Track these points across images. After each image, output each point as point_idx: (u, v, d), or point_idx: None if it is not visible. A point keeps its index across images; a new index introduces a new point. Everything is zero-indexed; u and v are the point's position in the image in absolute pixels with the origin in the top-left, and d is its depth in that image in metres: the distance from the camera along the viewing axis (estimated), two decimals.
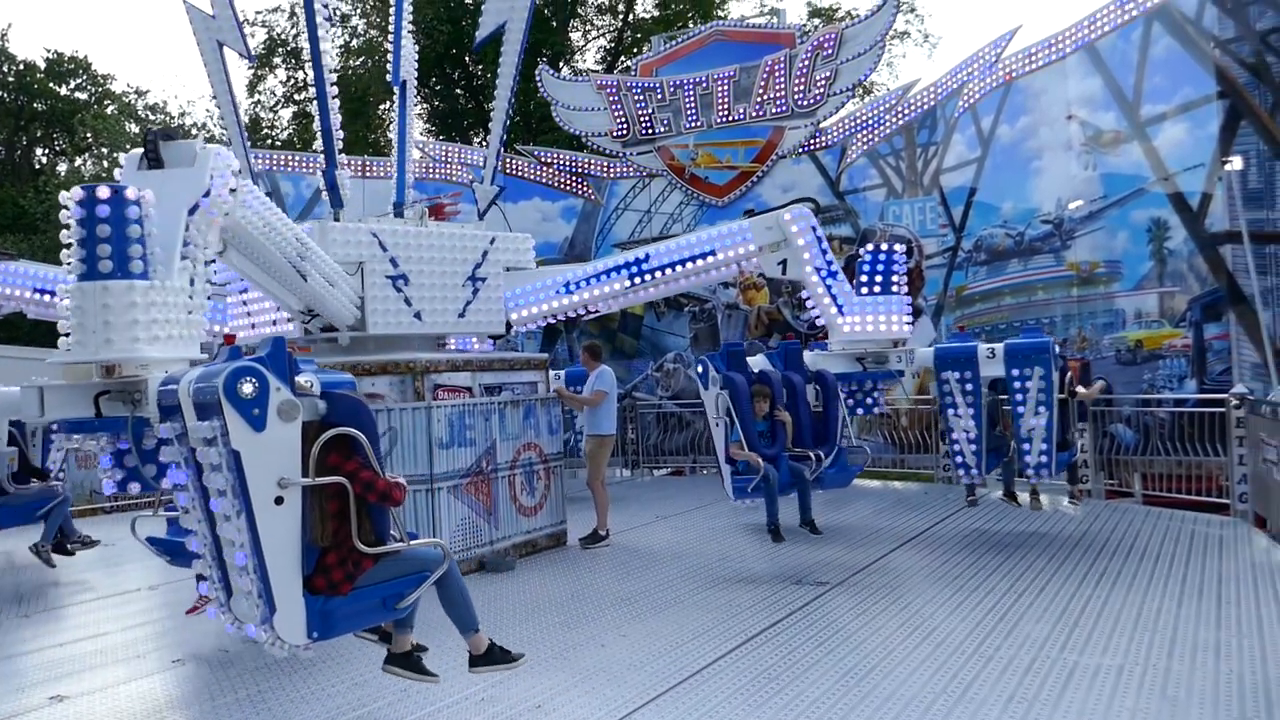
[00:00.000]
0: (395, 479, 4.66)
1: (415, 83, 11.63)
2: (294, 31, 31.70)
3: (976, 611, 7.16)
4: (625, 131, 18.49)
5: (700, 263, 10.03)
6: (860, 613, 7.24)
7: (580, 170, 19.15)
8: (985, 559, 8.92)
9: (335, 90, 9.97)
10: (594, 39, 32.87)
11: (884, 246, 9.85)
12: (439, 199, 18.71)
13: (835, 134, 17.39)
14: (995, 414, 9.46)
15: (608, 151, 18.89)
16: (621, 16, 31.77)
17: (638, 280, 10.14)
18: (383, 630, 5.14)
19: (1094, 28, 13.38)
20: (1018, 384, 8.89)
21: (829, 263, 9.82)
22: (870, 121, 16.99)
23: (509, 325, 10.53)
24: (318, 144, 10.40)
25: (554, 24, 29.17)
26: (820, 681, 5.73)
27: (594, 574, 9.10)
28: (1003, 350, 8.92)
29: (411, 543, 4.84)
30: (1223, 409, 10.84)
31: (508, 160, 19.42)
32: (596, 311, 10.89)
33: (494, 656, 5.22)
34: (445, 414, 9.13)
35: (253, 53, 31.40)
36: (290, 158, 19.89)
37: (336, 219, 9.83)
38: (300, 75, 32.48)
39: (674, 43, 18.89)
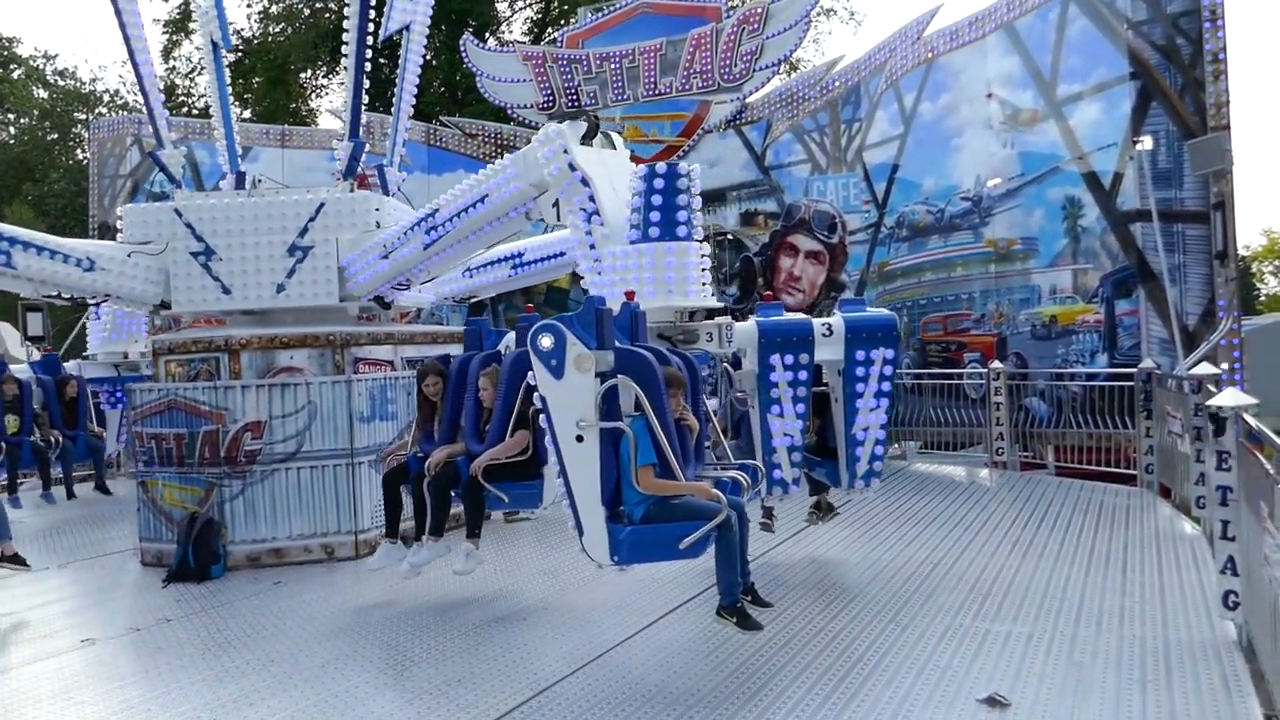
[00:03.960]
0: None
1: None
2: None
3: (893, 582, 7.30)
4: (551, 104, 18.33)
5: (481, 211, 8.61)
6: (778, 584, 7.32)
7: (505, 143, 18.95)
8: (903, 530, 9.09)
9: (153, 70, 10.00)
10: (521, 9, 32.52)
11: (661, 169, 7.33)
12: (362, 170, 18.37)
13: (761, 109, 17.45)
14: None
15: (533, 124, 18.71)
16: None
17: (431, 235, 8.91)
18: None
19: (1013, 7, 13.58)
20: (860, 369, 7.08)
21: (590, 197, 7.86)
22: (795, 97, 17.08)
23: (387, 300, 9.98)
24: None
25: None
26: (739, 652, 5.79)
27: (517, 548, 9.07)
28: (842, 326, 7.02)
29: None
30: (1132, 383, 11.16)
31: (433, 132, 19.17)
32: (416, 280, 9.78)
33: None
34: (366, 387, 9.00)
35: (166, 17, 30.56)
36: (206, 125, 19.35)
37: (157, 199, 9.88)
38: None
39: (600, 14, 18.73)
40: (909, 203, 15.26)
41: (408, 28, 10.87)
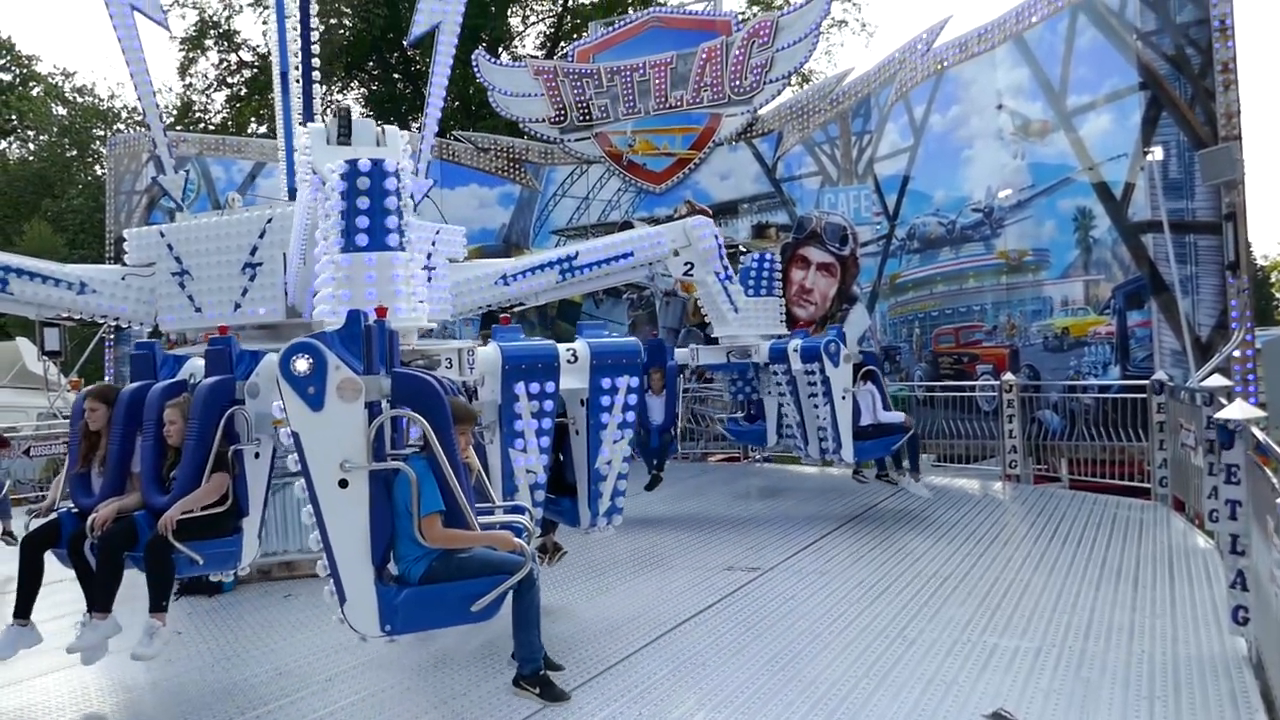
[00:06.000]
0: None
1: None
2: (225, 13, 31.09)
3: (903, 595, 7.28)
4: (563, 118, 18.42)
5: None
6: (789, 598, 7.32)
7: (517, 156, 19.05)
8: (914, 543, 9.05)
9: (155, 100, 10.15)
10: (533, 24, 32.70)
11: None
12: None
13: (771, 121, 17.48)
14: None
15: (545, 138, 18.81)
16: (561, 2, 31.61)
17: (300, 243, 8.57)
18: None
19: (1022, 19, 13.58)
20: (605, 398, 6.75)
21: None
22: (806, 109, 17.11)
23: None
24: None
25: (493, 9, 28.92)
26: (746, 666, 5.79)
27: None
28: (587, 353, 6.69)
29: None
30: (1145, 395, 11.11)
31: (445, 146, 19.28)
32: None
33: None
34: None
35: (183, 34, 30.84)
36: (221, 142, 19.53)
37: (172, 218, 9.94)
38: (233, 58, 31.86)
39: (611, 29, 18.83)
40: (920, 214, 15.25)
41: (437, 28, 10.86)
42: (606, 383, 6.69)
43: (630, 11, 24.62)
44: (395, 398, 4.67)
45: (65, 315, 9.75)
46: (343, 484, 4.50)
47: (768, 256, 11.42)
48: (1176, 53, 11.62)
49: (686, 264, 10.32)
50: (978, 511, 10.46)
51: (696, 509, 10.39)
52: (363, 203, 5.92)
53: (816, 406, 10.14)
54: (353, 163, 5.96)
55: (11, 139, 40.35)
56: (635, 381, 6.77)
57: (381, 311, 5.03)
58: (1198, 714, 4.83)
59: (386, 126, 6.82)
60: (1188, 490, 9.71)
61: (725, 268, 10.50)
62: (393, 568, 4.71)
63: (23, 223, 32.75)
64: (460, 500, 4.64)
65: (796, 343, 10.26)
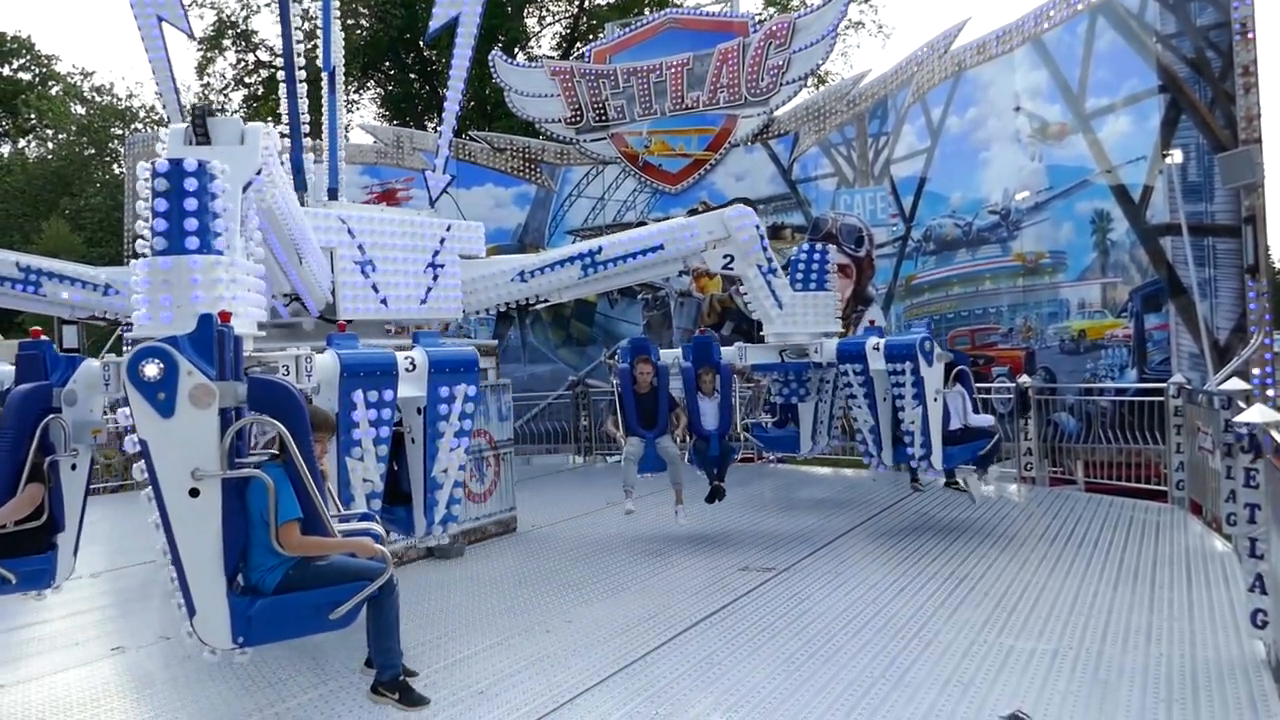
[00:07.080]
0: None
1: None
2: (243, 13, 31.23)
3: (919, 596, 7.28)
4: (578, 118, 18.45)
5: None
6: (804, 598, 7.32)
7: (533, 156, 19.09)
8: (930, 544, 9.04)
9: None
10: (550, 25, 32.75)
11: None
12: (391, 184, 18.58)
13: (788, 123, 17.48)
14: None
15: (561, 138, 18.84)
16: (577, 3, 31.65)
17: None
18: None
19: (1040, 20, 13.55)
20: (443, 407, 6.60)
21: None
22: (822, 111, 17.10)
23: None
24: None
25: (509, 9, 28.98)
26: (762, 666, 5.80)
27: (542, 560, 9.12)
28: (426, 361, 6.47)
29: None
30: (1162, 398, 11.08)
31: (462, 146, 19.34)
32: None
33: None
34: None
35: (201, 34, 31.02)
36: None
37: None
38: (250, 58, 32.02)
39: (628, 30, 18.84)
40: (936, 216, 15.22)
41: (456, 21, 10.74)
42: (444, 391, 6.52)
43: (647, 12, 24.65)
44: (252, 404, 4.55)
45: (94, 315, 9.92)
46: (194, 493, 4.32)
47: (818, 248, 10.42)
48: (1197, 55, 11.57)
49: (726, 257, 9.52)
50: (993, 514, 10.43)
51: (711, 509, 10.38)
52: (160, 205, 5.39)
53: (900, 409, 9.05)
54: (151, 163, 5.51)
55: (30, 138, 40.69)
56: (473, 390, 6.62)
57: (225, 316, 4.76)
58: (1216, 717, 4.82)
59: (250, 125, 6.63)
60: (1205, 493, 9.68)
61: (769, 260, 9.69)
62: (242, 578, 4.59)
63: (41, 221, 32.99)
64: (319, 507, 4.58)
65: (877, 340, 9.17)
